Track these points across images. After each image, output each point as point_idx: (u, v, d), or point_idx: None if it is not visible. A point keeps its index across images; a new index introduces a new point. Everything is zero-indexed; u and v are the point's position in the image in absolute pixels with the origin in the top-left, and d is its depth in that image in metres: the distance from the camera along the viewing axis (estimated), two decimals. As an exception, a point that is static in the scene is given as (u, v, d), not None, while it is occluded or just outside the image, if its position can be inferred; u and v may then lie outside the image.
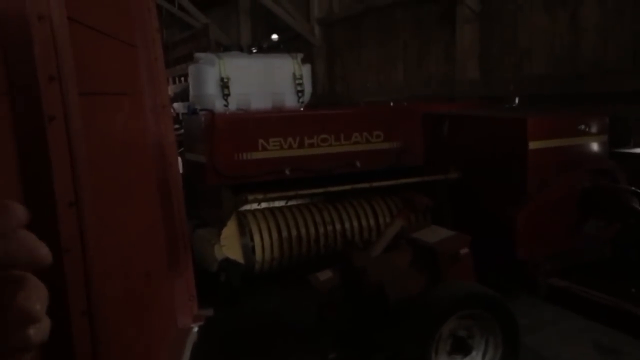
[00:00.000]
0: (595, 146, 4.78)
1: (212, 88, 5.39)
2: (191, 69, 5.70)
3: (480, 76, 7.48)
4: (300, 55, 5.87)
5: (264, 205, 5.43)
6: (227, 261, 4.91)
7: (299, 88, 5.74)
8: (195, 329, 2.57)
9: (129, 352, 1.59)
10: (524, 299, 4.55)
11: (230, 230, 5.03)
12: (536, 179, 4.44)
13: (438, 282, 3.63)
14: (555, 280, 4.49)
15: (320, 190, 5.16)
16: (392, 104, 6.53)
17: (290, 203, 5.57)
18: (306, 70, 5.82)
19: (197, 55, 5.63)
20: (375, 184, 5.24)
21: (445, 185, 5.27)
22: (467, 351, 3.48)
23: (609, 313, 4.06)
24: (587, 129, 4.72)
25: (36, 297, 0.49)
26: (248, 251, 5.06)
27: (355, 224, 5.41)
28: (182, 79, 9.44)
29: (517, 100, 6.31)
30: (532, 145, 4.41)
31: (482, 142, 4.93)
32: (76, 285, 1.23)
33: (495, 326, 3.50)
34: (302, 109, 5.80)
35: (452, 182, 5.22)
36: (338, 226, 5.35)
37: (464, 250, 3.68)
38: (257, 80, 5.57)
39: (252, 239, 5.07)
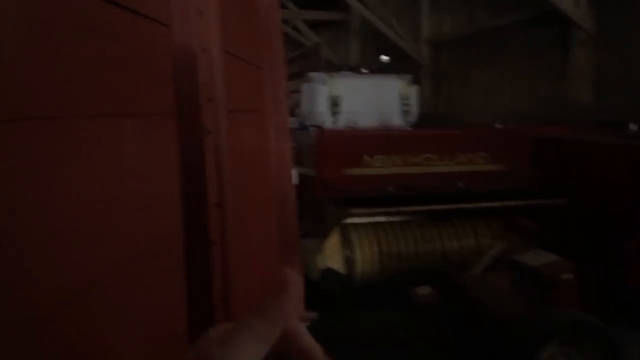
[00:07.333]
0: None
1: (322, 106, 5.69)
2: (304, 87, 6.04)
3: (595, 100, 7.25)
4: (408, 77, 6.04)
5: (366, 219, 5.60)
6: (328, 271, 5.12)
7: (405, 108, 5.90)
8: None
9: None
10: (632, 330, 4.38)
11: (333, 242, 5.25)
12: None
13: (539, 306, 3.62)
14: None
15: (422, 208, 5.25)
16: (499, 125, 6.50)
17: (391, 219, 5.70)
18: (413, 90, 5.97)
19: (310, 74, 5.95)
20: (477, 205, 5.26)
21: (552, 210, 5.17)
22: (566, 378, 3.44)
23: None
24: None
25: None
26: (349, 262, 5.24)
27: (456, 243, 5.44)
28: (293, 94, 9.87)
29: (634, 127, 6.05)
30: (647, 173, 4.26)
31: (593, 168, 4.81)
32: (219, 272, 1.47)
33: (597, 356, 3.43)
34: (408, 128, 5.94)
35: (558, 207, 5.12)
36: (438, 244, 5.40)
37: (567, 276, 3.64)
38: (366, 100, 5.79)
39: (353, 252, 5.25)
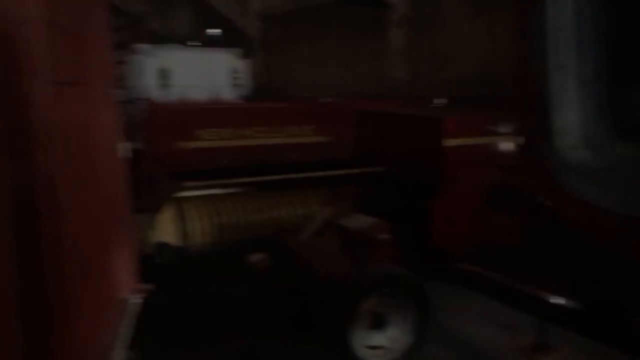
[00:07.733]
0: (506, 146, 5.24)
1: (152, 78, 5.57)
2: (132, 59, 5.84)
3: (408, 76, 7.95)
4: (238, 50, 6.13)
5: (200, 192, 5.63)
6: (162, 245, 5.10)
7: (236, 81, 6.00)
8: (138, 301, 2.81)
9: (87, 306, 1.86)
10: (438, 282, 4.97)
11: (166, 215, 5.22)
12: (451, 173, 4.86)
13: (360, 264, 4.00)
14: (466, 265, 4.92)
15: (255, 179, 5.42)
16: (325, 99, 6.87)
17: (225, 191, 5.80)
18: (244, 64, 6.09)
19: (138, 46, 5.78)
20: (306, 175, 5.55)
21: (372, 177, 5.65)
22: (384, 326, 3.87)
23: (511, 295, 4.50)
24: (499, 130, 5.18)
25: None
26: (184, 235, 5.26)
27: (287, 211, 5.71)
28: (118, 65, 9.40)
29: (442, 101, 6.75)
30: (448, 142, 4.82)
31: (404, 138, 5.31)
32: (50, 241, 1.48)
33: (410, 305, 3.89)
34: (239, 101, 6.05)
35: (377, 174, 5.60)
36: (271, 213, 5.63)
37: (384, 236, 4.05)
38: (197, 73, 5.78)
39: (187, 224, 5.28)
